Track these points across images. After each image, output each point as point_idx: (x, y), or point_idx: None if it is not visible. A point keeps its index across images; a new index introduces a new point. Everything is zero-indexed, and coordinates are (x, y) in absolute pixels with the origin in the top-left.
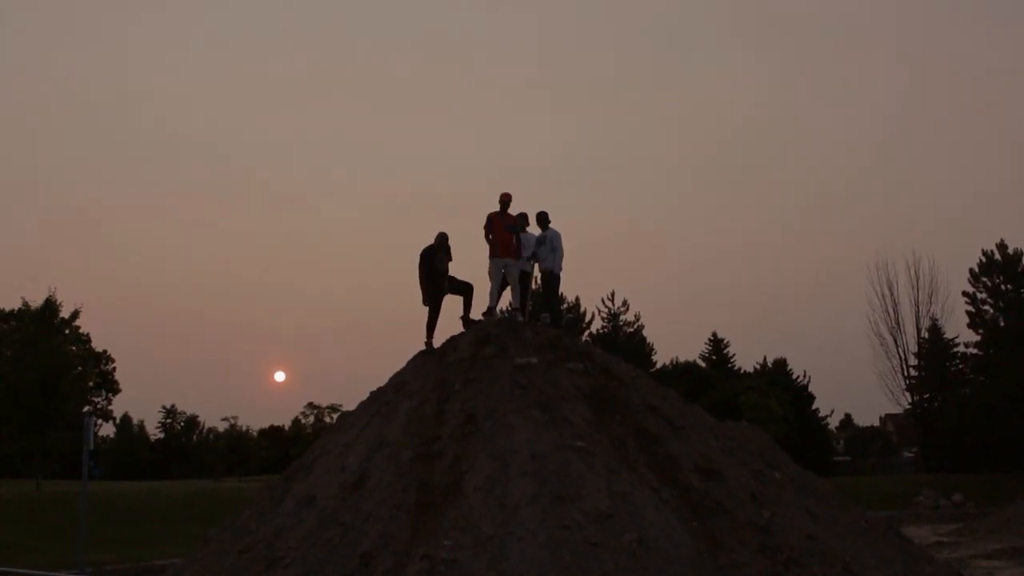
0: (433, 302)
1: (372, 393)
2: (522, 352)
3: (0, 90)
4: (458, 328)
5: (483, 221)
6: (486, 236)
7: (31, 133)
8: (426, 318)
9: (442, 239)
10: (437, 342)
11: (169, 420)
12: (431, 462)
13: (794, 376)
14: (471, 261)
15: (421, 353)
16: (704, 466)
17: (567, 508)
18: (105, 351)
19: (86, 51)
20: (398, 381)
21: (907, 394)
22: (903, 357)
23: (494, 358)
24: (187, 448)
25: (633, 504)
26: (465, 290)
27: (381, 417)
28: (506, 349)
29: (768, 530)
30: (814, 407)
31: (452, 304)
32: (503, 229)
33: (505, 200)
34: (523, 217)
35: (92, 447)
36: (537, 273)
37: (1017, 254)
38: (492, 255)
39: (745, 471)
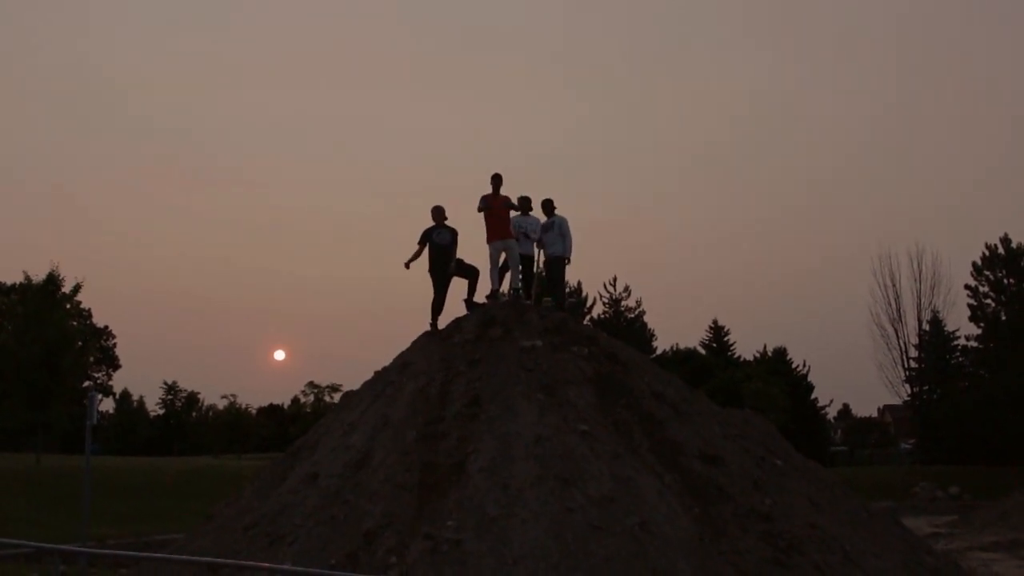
0: (439, 282)
1: (377, 373)
2: (527, 335)
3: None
4: (461, 311)
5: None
6: (479, 209)
7: (31, 110)
8: (431, 299)
9: (438, 214)
10: (440, 325)
11: (170, 397)
12: (435, 442)
13: (794, 365)
14: (474, 243)
15: (426, 334)
16: (707, 452)
17: (570, 491)
18: (106, 327)
19: (82, 32)
20: (403, 361)
21: (906, 386)
22: (903, 349)
23: (499, 340)
24: (186, 425)
25: (636, 488)
26: (471, 274)
27: (386, 397)
28: (511, 332)
29: (769, 517)
30: (813, 396)
31: (455, 288)
32: (502, 207)
33: (497, 181)
34: (526, 200)
35: (95, 422)
36: (541, 258)
37: (1020, 248)
38: (490, 238)
39: (748, 458)
